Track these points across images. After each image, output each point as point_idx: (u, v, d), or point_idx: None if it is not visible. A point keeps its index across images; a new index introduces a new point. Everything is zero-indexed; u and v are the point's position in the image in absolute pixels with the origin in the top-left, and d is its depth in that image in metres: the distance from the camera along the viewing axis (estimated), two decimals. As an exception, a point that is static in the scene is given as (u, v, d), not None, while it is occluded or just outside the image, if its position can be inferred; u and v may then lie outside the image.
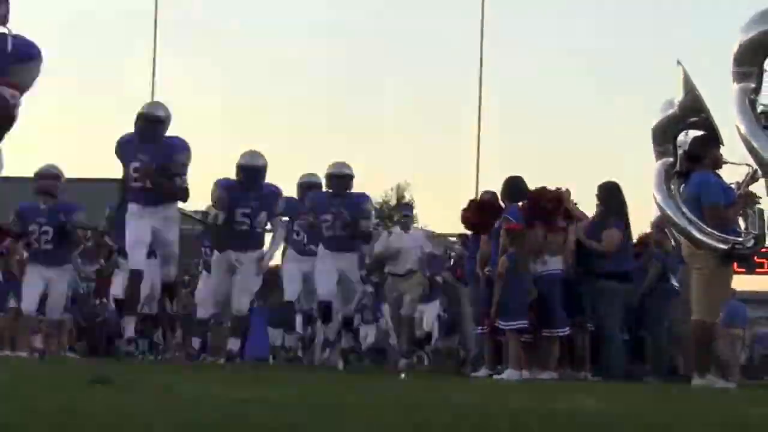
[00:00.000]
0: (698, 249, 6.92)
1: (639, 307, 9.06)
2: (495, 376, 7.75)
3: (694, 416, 3.23)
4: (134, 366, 7.81)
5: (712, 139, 7.26)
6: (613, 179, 8.74)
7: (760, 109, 6.69)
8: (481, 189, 13.68)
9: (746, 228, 7.03)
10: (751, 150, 6.58)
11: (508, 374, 7.51)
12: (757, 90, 6.62)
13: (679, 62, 7.36)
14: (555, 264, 8.08)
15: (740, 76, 6.57)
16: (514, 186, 8.22)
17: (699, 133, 7.40)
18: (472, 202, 8.93)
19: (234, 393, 3.81)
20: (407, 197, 41.28)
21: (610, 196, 8.58)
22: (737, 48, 6.58)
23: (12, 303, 12.29)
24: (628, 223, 8.70)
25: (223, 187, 8.94)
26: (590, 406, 3.56)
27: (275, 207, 9.09)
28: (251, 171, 8.93)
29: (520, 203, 8.06)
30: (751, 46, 6.55)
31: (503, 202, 8.27)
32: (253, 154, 9.12)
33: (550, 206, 8.02)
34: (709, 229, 6.81)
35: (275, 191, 9.17)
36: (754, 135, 6.48)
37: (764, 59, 6.53)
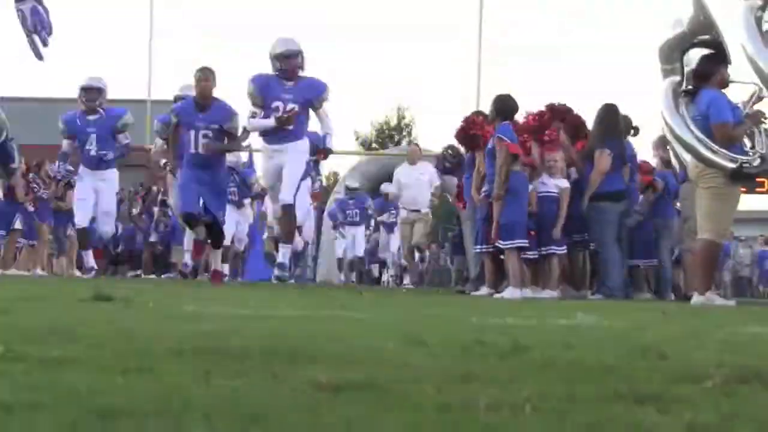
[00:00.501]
0: (706, 167, 6.88)
1: (639, 230, 9.10)
2: (495, 295, 7.80)
3: (693, 332, 3.25)
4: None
5: (720, 57, 7.17)
6: (611, 102, 8.65)
7: (766, 27, 6.56)
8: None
9: (753, 147, 6.96)
10: (757, 69, 6.51)
11: (509, 293, 7.53)
12: (764, 7, 6.52)
13: None
14: (555, 183, 8.08)
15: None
16: (503, 103, 8.11)
17: (705, 51, 7.32)
18: (463, 120, 8.90)
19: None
20: (408, 118, 41.06)
21: (606, 117, 8.49)
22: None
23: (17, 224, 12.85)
24: (622, 144, 8.64)
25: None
26: (589, 322, 3.58)
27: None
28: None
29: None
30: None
31: (494, 120, 8.21)
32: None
33: (538, 120, 8.10)
34: (717, 147, 6.75)
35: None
36: (760, 54, 6.39)
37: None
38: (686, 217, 8.61)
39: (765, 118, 7.09)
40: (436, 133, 60.38)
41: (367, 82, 45.79)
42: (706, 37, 7.42)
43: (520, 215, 7.74)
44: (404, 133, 40.40)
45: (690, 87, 7.19)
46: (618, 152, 8.29)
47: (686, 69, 7.33)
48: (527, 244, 7.71)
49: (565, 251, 8.16)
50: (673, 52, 7.88)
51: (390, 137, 39.97)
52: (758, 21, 6.60)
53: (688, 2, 7.28)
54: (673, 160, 8.57)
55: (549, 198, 8.04)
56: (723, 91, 7.06)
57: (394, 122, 41.20)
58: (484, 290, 8.35)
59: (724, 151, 6.73)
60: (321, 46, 48.88)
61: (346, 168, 22.17)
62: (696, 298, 6.91)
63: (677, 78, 7.63)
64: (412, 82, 55.02)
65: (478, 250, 8.41)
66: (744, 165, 6.70)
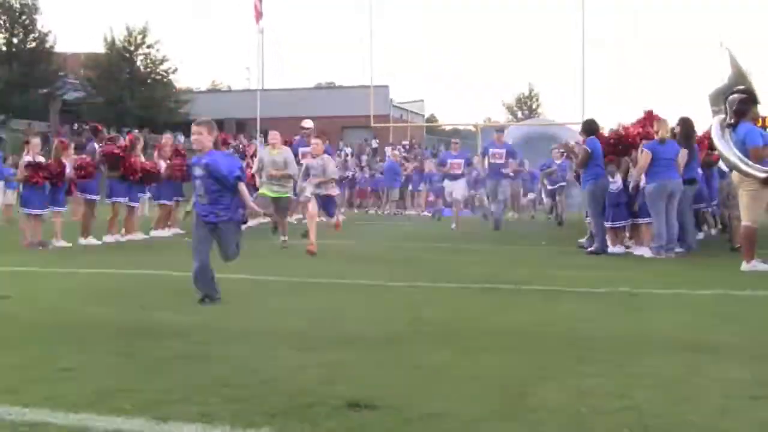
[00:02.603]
0: (744, 177, 9.42)
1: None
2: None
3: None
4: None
5: (752, 99, 9.84)
6: (687, 116, 12.04)
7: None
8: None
9: None
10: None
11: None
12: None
13: (721, 44, 10.05)
14: (618, 182, 12.02)
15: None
16: (589, 125, 12.49)
17: (743, 96, 9.86)
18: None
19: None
20: (535, 90, 62.27)
21: (684, 127, 11.78)
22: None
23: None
24: (693, 146, 11.86)
25: None
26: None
27: None
28: None
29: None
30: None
31: (582, 135, 12.55)
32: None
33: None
34: (752, 163, 9.36)
35: None
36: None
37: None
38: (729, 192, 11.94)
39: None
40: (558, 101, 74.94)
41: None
42: (742, 86, 9.98)
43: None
44: (537, 101, 64.10)
45: (731, 121, 9.69)
46: (690, 152, 11.85)
47: (729, 109, 9.76)
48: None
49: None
50: (719, 98, 10.28)
51: (525, 103, 62.88)
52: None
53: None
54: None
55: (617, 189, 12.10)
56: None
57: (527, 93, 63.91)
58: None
59: (756, 165, 9.31)
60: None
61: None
62: (744, 266, 9.44)
63: (723, 116, 9.97)
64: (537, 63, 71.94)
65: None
66: (771, 173, 9.35)
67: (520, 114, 61.54)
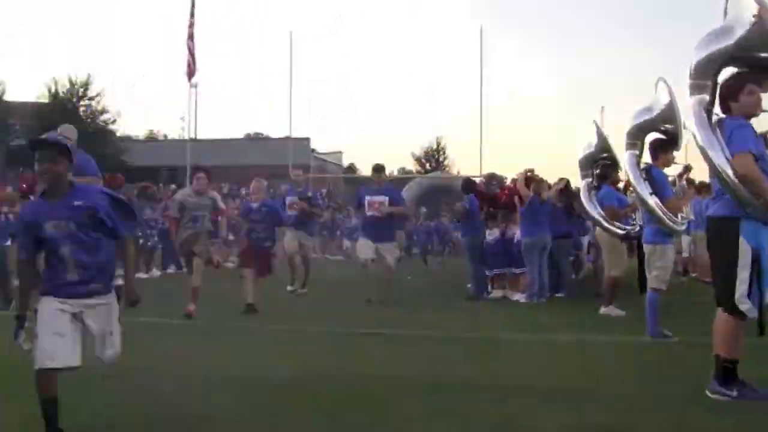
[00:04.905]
0: (606, 233, 9.64)
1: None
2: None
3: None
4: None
5: (614, 165, 9.90)
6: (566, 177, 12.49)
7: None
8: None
9: (634, 219, 9.74)
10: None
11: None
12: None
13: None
14: (495, 233, 12.22)
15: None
16: (466, 185, 12.95)
17: (606, 162, 9.94)
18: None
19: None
20: (443, 143, 59.68)
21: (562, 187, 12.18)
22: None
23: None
24: (570, 203, 12.00)
25: None
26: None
27: None
28: None
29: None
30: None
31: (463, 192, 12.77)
32: None
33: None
34: (611, 221, 9.57)
35: None
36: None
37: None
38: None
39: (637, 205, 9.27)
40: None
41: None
42: (605, 154, 10.00)
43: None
44: (444, 154, 60.60)
45: (596, 184, 9.80)
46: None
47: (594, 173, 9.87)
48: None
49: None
50: (586, 164, 10.03)
51: (433, 156, 60.92)
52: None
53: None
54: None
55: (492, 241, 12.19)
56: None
57: (434, 146, 60.40)
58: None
59: (616, 223, 9.63)
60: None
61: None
62: (602, 310, 9.63)
63: (590, 179, 9.91)
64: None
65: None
66: (631, 233, 9.72)
67: (428, 166, 60.56)
